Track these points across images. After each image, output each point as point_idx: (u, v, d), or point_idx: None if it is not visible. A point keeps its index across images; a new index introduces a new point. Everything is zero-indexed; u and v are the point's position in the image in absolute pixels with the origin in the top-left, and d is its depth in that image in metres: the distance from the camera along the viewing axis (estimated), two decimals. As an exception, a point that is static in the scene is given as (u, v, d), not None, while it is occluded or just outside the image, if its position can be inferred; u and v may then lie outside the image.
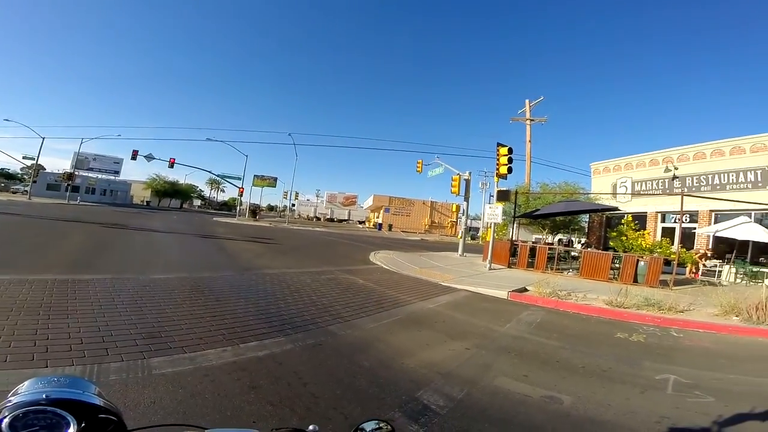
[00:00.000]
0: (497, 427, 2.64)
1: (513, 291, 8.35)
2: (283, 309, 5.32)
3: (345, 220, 67.57)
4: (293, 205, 53.79)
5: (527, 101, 24.43)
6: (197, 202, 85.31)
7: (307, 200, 76.43)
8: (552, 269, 12.52)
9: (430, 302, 6.97)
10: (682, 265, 12.79)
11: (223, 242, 14.63)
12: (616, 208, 16.49)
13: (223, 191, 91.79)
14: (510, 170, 13.48)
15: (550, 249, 13.42)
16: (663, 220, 17.35)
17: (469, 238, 26.95)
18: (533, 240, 21.83)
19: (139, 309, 4.57)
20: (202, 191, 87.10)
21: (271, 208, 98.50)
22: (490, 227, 14.05)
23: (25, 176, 52.44)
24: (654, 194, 17.13)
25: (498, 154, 13.50)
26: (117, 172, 60.41)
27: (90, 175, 54.63)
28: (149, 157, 37.47)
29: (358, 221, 66.83)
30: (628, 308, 7.10)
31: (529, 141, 23.93)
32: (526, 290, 8.70)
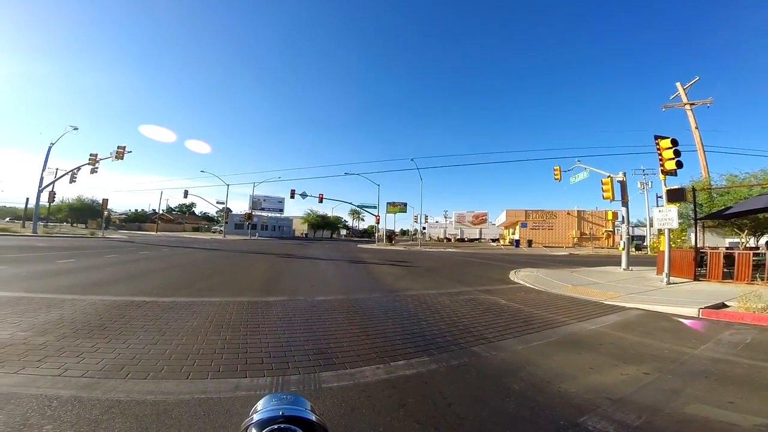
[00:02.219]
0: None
1: (706, 308, 6.71)
2: (425, 329, 5.44)
3: (476, 239, 65.72)
4: (424, 228, 55.23)
5: (679, 84, 20.04)
6: (343, 232, 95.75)
7: (436, 222, 77.48)
8: (763, 279, 9.56)
9: (591, 323, 6.14)
10: None
11: (368, 266, 15.99)
12: None
13: (362, 220, 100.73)
14: (680, 165, 11.13)
15: (756, 255, 10.33)
16: None
17: (633, 249, 22.79)
18: (726, 245, 17.14)
19: (309, 327, 5.32)
20: (346, 221, 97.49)
21: (403, 232, 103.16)
22: (663, 234, 11.64)
23: (219, 218, 67.81)
24: None
25: (659, 148, 11.37)
26: (281, 210, 72.75)
27: (262, 213, 67.16)
28: (303, 195, 44.39)
29: (491, 239, 64.08)
30: None
31: (696, 128, 19.43)
32: (724, 306, 6.89)
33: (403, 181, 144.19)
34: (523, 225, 50.22)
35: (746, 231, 16.65)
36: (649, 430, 2.54)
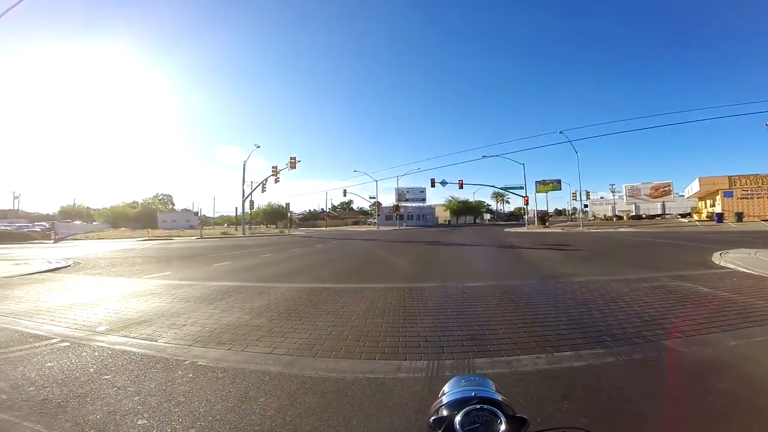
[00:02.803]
0: None
1: None
2: (598, 319, 4.84)
3: (658, 216, 54.18)
4: (585, 205, 48.56)
5: None
6: (486, 216, 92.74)
7: (601, 198, 67.21)
8: None
9: None
10: None
11: (519, 251, 15.13)
12: None
13: (508, 202, 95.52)
14: None
15: None
16: None
17: None
18: None
19: (461, 313, 5.40)
20: (489, 205, 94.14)
21: (559, 212, 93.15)
22: None
23: (372, 211, 74.41)
24: None
25: None
26: (423, 200, 75.32)
27: (407, 204, 70.87)
28: (443, 183, 44.98)
29: (679, 214, 51.83)
30: None
31: None
32: None
33: (554, 158, 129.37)
34: (727, 194, 38.75)
35: None
36: None
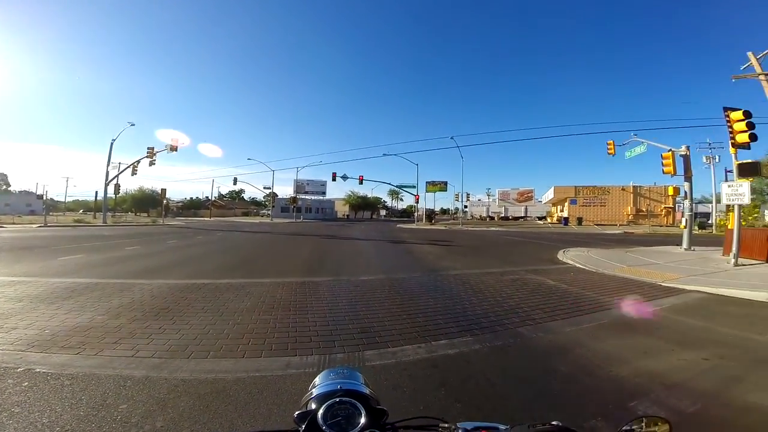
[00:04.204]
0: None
1: (780, 293, 6.10)
2: (468, 309, 5.44)
3: (521, 218, 63.50)
4: (465, 206, 54.28)
5: (751, 54, 17.62)
6: (382, 212, 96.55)
7: (478, 200, 75.76)
8: None
9: (647, 306, 5.83)
10: None
11: (409, 246, 16.11)
12: None
13: (401, 200, 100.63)
14: (754, 137, 10.15)
15: None
16: None
17: (696, 228, 20.99)
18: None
19: (353, 306, 5.51)
20: (385, 201, 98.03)
21: (444, 211, 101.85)
22: (732, 211, 10.62)
23: (266, 203, 70.74)
24: None
25: (729, 121, 10.43)
26: (323, 193, 74.59)
27: (306, 197, 69.34)
28: (344, 177, 45.06)
29: (537, 217, 61.66)
30: None
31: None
32: (805, 293, 6.21)
33: (444, 160, 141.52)
34: (573, 202, 47.74)
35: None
36: (705, 417, 2.44)
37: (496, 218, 63.75)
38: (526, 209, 66.03)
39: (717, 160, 38.03)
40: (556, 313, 5.27)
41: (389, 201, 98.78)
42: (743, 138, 10.19)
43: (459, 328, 4.50)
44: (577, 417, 2.49)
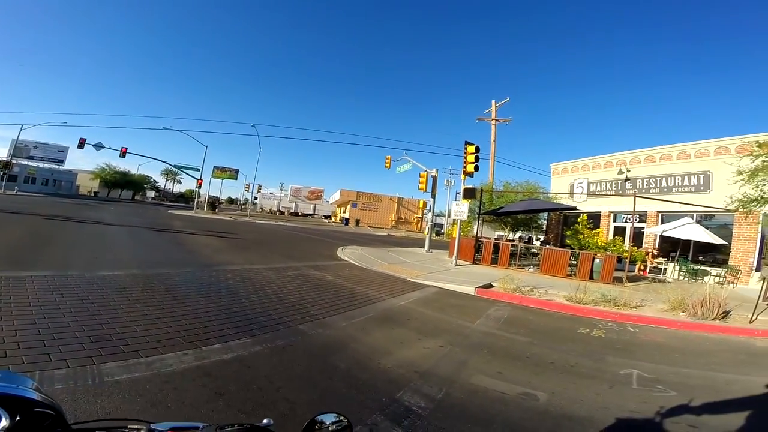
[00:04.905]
0: (481, 427, 2.61)
1: (479, 287, 8.49)
2: (247, 308, 5.04)
3: (310, 215, 66.38)
4: (255, 198, 52.19)
5: (494, 102, 24.95)
6: (151, 194, 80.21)
7: (271, 193, 74.45)
8: (515, 265, 12.93)
9: (401, 299, 6.92)
10: (632, 262, 13.64)
11: (181, 236, 13.80)
12: (574, 208, 17.36)
13: (180, 182, 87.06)
14: (477, 168, 13.79)
15: (512, 246, 13.86)
16: (615, 220, 18.38)
17: (434, 234, 27.31)
18: (496, 237, 22.53)
19: (86, 309, 4.12)
20: (157, 182, 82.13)
21: (231, 201, 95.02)
22: (456, 224, 14.24)
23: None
24: (608, 195, 18.09)
25: (466, 152, 13.76)
26: (61, 161, 55.78)
27: (30, 164, 50.18)
28: (98, 146, 34.62)
29: (324, 216, 65.89)
30: (587, 304, 7.41)
31: (494, 141, 24.50)
32: (491, 286, 8.88)
33: (239, 150, 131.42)
34: (353, 205, 53.47)
35: (509, 227, 22.25)
36: (449, 401, 2.96)
37: (286, 213, 64.05)
38: (314, 207, 69.34)
39: (452, 184, 50.97)
40: (334, 309, 5.55)
41: (162, 182, 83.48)
42: (471, 168, 13.78)
43: (236, 330, 4.06)
44: (361, 414, 2.59)
